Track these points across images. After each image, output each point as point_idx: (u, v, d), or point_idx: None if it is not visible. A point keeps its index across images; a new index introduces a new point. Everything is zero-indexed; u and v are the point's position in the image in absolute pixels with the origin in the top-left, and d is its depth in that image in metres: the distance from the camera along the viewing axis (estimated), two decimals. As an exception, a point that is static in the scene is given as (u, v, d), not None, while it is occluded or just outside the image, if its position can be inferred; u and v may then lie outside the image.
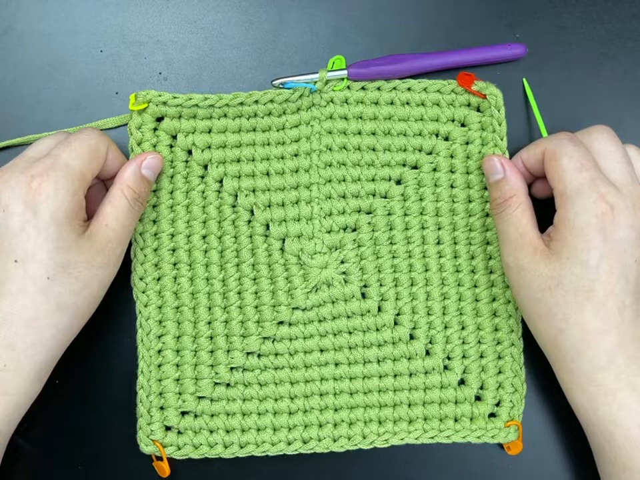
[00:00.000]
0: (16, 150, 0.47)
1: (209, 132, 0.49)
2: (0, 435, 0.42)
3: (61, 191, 0.41)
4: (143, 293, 0.48)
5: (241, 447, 0.48)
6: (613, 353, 0.41)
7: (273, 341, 0.49)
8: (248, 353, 0.49)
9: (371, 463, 0.49)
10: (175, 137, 0.49)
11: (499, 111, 0.49)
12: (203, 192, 0.49)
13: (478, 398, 0.49)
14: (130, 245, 0.47)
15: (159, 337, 0.48)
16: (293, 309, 0.49)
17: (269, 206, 0.49)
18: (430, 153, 0.50)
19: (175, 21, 0.51)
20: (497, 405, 0.49)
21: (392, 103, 0.49)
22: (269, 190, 0.49)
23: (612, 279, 0.41)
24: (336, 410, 0.49)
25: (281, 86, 0.48)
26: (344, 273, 0.49)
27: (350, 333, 0.49)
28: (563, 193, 0.42)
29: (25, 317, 0.41)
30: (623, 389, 0.41)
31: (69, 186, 0.41)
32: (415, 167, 0.50)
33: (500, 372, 0.49)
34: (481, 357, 0.49)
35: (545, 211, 0.45)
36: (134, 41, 0.51)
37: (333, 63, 0.49)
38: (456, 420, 0.49)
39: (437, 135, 0.50)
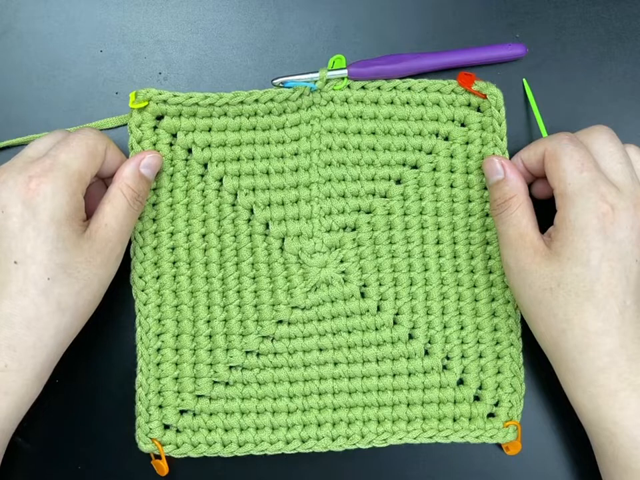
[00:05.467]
0: (16, 150, 0.47)
1: (209, 130, 0.49)
2: (1, 434, 0.42)
3: (60, 192, 0.41)
4: (142, 291, 0.48)
5: (240, 446, 0.48)
6: (614, 353, 0.41)
7: (272, 340, 0.49)
8: (247, 352, 0.49)
9: (370, 463, 0.49)
10: (175, 136, 0.49)
11: (499, 111, 0.49)
12: (203, 190, 0.49)
13: (477, 398, 0.49)
14: (129, 243, 0.47)
15: (158, 336, 0.48)
16: (292, 308, 0.49)
17: (269, 205, 0.49)
18: (430, 153, 0.50)
19: (175, 21, 0.51)
20: (496, 405, 0.49)
21: (392, 103, 0.49)
22: (268, 189, 0.49)
23: (613, 280, 0.41)
24: (335, 409, 0.49)
25: (281, 85, 0.48)
26: (343, 272, 0.49)
27: (349, 332, 0.49)
28: (564, 193, 0.42)
29: (26, 317, 0.41)
30: (625, 389, 0.41)
31: (67, 186, 0.41)
32: (415, 167, 0.50)
33: (499, 372, 0.49)
34: (480, 356, 0.49)
35: (545, 211, 0.45)
36: (134, 41, 0.51)
37: (333, 62, 0.49)
38: (455, 420, 0.49)
39: (436, 135, 0.50)
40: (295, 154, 0.49)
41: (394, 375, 0.49)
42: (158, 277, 0.49)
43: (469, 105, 0.50)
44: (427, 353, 0.49)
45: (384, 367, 0.49)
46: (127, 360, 0.49)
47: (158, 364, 0.48)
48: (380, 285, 0.49)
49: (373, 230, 0.49)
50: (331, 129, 0.49)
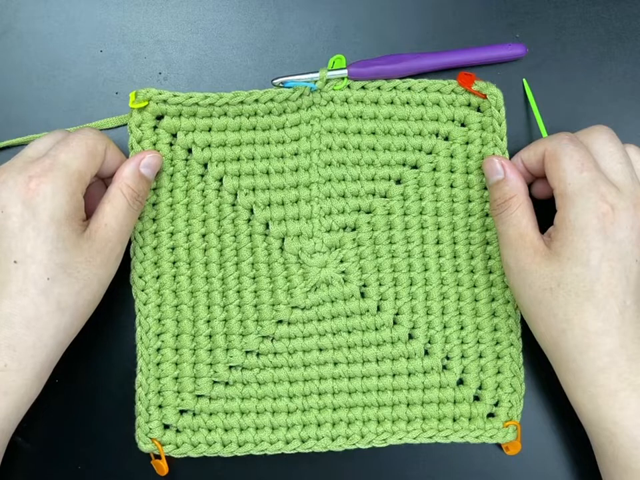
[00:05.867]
0: (16, 150, 0.47)
1: (209, 130, 0.49)
2: (1, 434, 0.42)
3: (60, 192, 0.41)
4: (142, 291, 0.48)
5: (240, 446, 0.48)
6: (614, 353, 0.41)
7: (272, 340, 0.49)
8: (247, 352, 0.49)
9: (370, 463, 0.49)
10: (175, 135, 0.49)
11: (499, 111, 0.49)
12: (203, 190, 0.49)
13: (477, 398, 0.49)
14: (129, 243, 0.47)
15: (158, 335, 0.48)
16: (292, 307, 0.49)
17: (269, 205, 0.49)
18: (430, 153, 0.50)
19: (175, 21, 0.51)
20: (496, 405, 0.49)
21: (392, 103, 0.49)
22: (268, 189, 0.49)
23: (613, 280, 0.41)
24: (334, 409, 0.49)
25: (281, 85, 0.48)
26: (343, 272, 0.49)
27: (349, 332, 0.49)
28: (564, 193, 0.42)
29: (26, 317, 0.41)
30: (625, 389, 0.41)
31: (67, 186, 0.41)
32: (415, 167, 0.50)
33: (499, 372, 0.49)
34: (480, 357, 0.49)
35: (545, 211, 0.45)
36: (134, 41, 0.51)
37: (333, 62, 0.49)
38: (454, 420, 0.49)
39: (436, 135, 0.50)
40: (295, 154, 0.49)
41: (394, 375, 0.49)
42: (158, 277, 0.49)
43: (469, 105, 0.50)
44: (426, 352, 0.49)
45: (384, 366, 0.49)
46: (127, 360, 0.49)
47: (158, 364, 0.48)
48: (380, 284, 0.49)
49: (373, 230, 0.49)
50: (330, 129, 0.49)
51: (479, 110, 0.50)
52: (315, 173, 0.49)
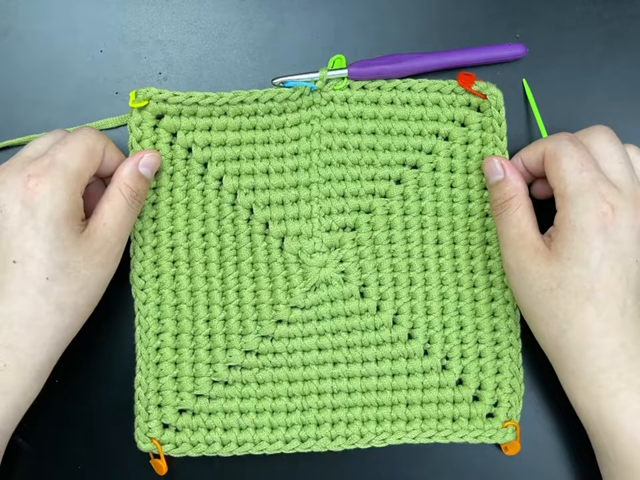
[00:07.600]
0: (16, 150, 0.47)
1: (209, 130, 0.49)
2: (0, 434, 0.42)
3: (59, 191, 0.41)
4: (142, 290, 0.48)
5: (239, 446, 0.48)
6: (615, 353, 0.41)
7: (271, 340, 0.49)
8: (246, 352, 0.49)
9: (369, 463, 0.49)
10: (175, 135, 0.49)
11: (499, 111, 0.49)
12: (203, 190, 0.49)
13: (476, 398, 0.49)
14: (129, 242, 0.47)
15: (158, 335, 0.48)
16: (292, 307, 0.49)
17: (269, 204, 0.49)
18: (430, 153, 0.50)
19: (175, 21, 0.51)
20: (495, 405, 0.49)
21: (392, 103, 0.49)
22: (268, 188, 0.49)
23: (613, 280, 0.41)
24: (334, 409, 0.49)
25: (281, 85, 0.48)
26: (343, 272, 0.49)
27: (348, 332, 0.49)
28: (564, 193, 0.42)
29: (25, 317, 0.41)
30: (625, 390, 0.41)
31: (66, 186, 0.41)
32: (415, 167, 0.50)
33: (498, 372, 0.49)
34: (479, 357, 0.49)
35: (545, 211, 0.45)
36: (134, 41, 0.51)
37: (334, 62, 0.49)
38: (454, 420, 0.49)
39: (436, 135, 0.50)
40: (295, 154, 0.49)
41: (393, 375, 0.49)
42: (157, 276, 0.49)
43: (469, 105, 0.50)
44: (426, 353, 0.49)
45: (383, 366, 0.49)
46: (127, 359, 0.49)
47: (157, 363, 0.48)
48: (379, 284, 0.49)
49: (372, 230, 0.49)
50: (331, 129, 0.49)
51: (479, 110, 0.50)
52: (315, 172, 0.49)
